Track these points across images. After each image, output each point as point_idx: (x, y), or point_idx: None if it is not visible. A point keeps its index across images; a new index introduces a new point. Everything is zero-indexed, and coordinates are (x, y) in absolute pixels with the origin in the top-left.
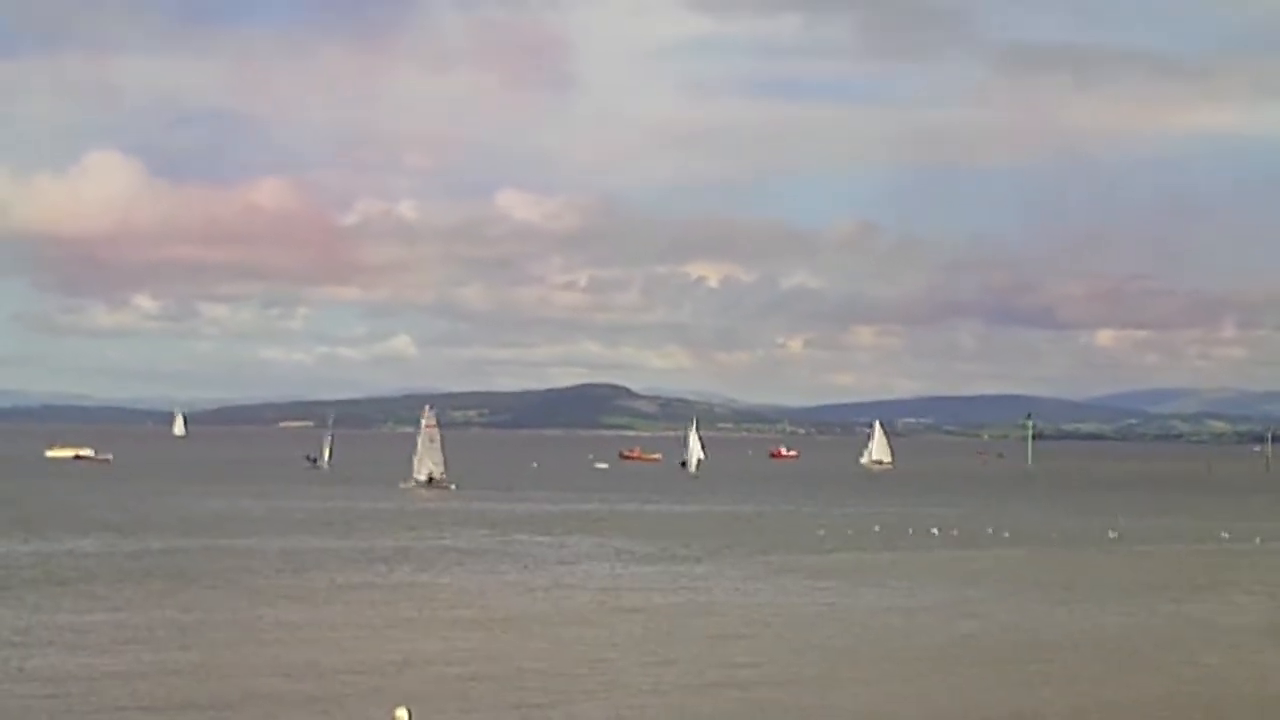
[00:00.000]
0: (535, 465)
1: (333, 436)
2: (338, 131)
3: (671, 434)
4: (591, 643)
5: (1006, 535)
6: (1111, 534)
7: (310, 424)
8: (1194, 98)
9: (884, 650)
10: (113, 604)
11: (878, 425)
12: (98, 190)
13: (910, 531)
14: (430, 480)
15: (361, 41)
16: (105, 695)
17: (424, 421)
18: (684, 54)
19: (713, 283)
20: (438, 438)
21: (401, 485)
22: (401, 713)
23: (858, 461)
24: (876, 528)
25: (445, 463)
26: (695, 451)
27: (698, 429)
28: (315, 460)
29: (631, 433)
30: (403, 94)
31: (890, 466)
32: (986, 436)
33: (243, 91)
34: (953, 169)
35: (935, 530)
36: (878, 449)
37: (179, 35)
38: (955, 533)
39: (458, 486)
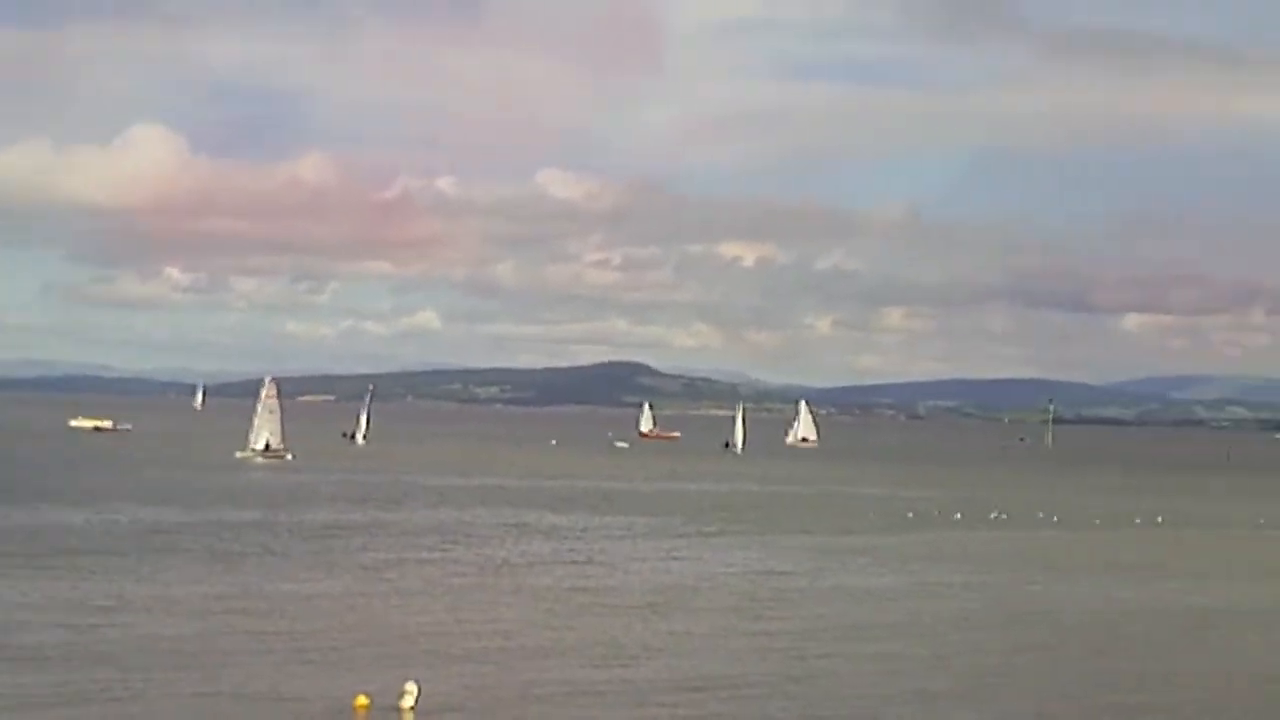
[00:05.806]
0: (554, 443)
1: (370, 411)
2: (385, 108)
3: (694, 413)
4: (613, 618)
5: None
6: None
7: (331, 398)
8: (1246, 86)
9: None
10: (148, 576)
11: (803, 405)
12: (137, 163)
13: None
14: (267, 448)
15: (421, 22)
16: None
17: (264, 392)
18: (730, 36)
19: (748, 263)
20: (277, 409)
21: (238, 454)
22: (411, 686)
23: (784, 441)
24: (910, 514)
25: (284, 434)
26: (739, 432)
27: (743, 410)
28: (352, 436)
29: (652, 411)
30: (455, 72)
31: (815, 445)
32: (1007, 420)
33: (295, 70)
34: (999, 153)
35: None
36: (803, 428)
37: (254, 13)
38: (1005, 516)
39: (294, 456)
